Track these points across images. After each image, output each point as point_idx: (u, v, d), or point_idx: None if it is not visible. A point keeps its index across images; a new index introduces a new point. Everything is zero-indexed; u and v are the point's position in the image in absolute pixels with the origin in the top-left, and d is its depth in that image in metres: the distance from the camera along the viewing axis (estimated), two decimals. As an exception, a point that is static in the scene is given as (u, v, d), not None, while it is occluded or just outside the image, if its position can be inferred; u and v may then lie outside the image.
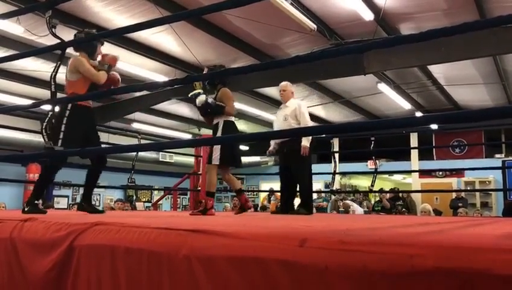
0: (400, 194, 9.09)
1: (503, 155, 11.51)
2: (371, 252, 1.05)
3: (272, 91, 9.72)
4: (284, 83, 4.74)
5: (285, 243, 1.19)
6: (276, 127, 4.69)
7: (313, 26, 6.01)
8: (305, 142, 4.29)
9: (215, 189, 4.04)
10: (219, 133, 4.03)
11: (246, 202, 4.35)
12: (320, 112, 11.48)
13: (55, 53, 5.10)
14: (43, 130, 3.48)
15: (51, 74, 2.61)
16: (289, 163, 4.45)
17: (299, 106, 4.46)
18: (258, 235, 1.30)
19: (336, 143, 10.41)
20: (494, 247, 1.03)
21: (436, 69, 8.49)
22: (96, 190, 14.04)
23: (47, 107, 3.93)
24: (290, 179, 4.50)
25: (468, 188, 11.27)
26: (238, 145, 4.47)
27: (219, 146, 3.96)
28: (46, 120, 3.42)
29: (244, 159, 5.17)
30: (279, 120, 4.59)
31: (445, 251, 0.99)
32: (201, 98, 3.98)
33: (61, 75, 2.84)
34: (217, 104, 4.02)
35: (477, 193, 11.31)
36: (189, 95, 4.08)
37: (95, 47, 3.52)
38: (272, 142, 4.55)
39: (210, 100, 4.00)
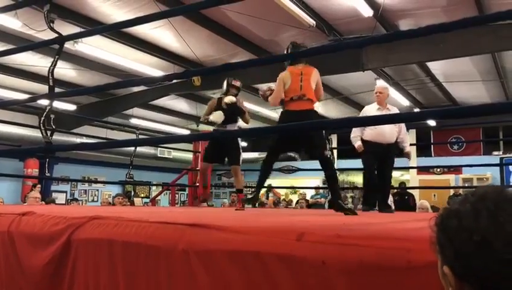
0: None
1: (501, 152, 11.52)
2: (368, 246, 1.05)
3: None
4: (381, 85, 4.77)
5: (283, 237, 1.20)
6: (387, 130, 4.47)
7: (311, 22, 5.99)
8: (409, 148, 4.61)
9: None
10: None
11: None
12: (318, 108, 11.47)
13: (53, 48, 5.10)
14: (41, 125, 3.46)
15: (49, 68, 2.60)
16: (384, 162, 4.57)
17: None
18: (255, 230, 1.30)
19: (334, 139, 10.41)
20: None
21: (435, 66, 8.48)
22: (94, 186, 13.77)
23: (44, 102, 3.92)
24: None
25: (466, 185, 11.29)
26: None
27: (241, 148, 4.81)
28: (44, 115, 3.40)
29: (244, 155, 5.28)
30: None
31: (441, 246, 0.99)
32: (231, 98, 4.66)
33: (59, 70, 2.84)
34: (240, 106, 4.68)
35: (475, 190, 11.29)
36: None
37: None
38: (358, 142, 4.56)
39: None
